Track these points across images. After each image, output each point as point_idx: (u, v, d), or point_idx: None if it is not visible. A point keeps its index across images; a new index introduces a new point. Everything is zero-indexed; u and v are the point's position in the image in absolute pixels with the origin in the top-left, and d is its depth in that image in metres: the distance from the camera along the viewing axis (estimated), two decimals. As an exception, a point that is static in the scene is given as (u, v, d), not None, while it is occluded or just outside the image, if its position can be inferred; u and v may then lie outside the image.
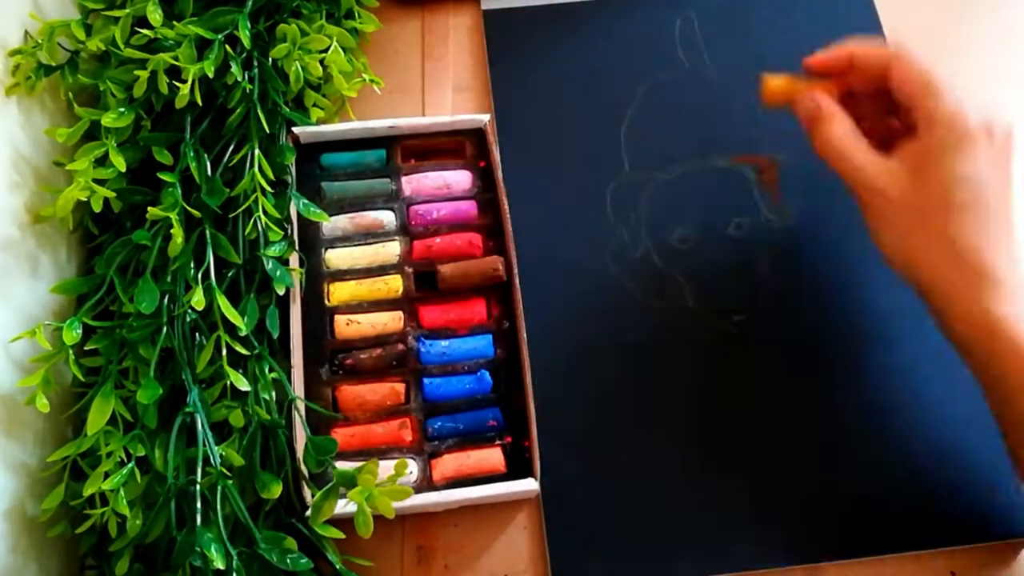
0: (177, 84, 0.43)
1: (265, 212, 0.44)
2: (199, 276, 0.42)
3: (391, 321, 0.46)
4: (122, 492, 0.38)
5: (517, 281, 0.46)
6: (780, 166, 0.52)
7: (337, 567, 0.41)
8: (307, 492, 0.41)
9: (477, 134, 0.50)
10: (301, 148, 0.49)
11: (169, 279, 0.42)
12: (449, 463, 0.43)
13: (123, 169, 0.43)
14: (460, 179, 0.49)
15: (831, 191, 0.52)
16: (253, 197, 0.44)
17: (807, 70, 0.46)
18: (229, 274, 0.44)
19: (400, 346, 0.45)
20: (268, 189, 0.44)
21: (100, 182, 0.43)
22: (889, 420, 0.46)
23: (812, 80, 0.45)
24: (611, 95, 0.54)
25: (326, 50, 0.48)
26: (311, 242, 0.47)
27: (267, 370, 0.42)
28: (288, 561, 0.38)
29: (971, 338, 0.40)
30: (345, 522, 0.39)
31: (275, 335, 0.44)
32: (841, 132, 0.43)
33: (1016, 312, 0.38)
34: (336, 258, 0.47)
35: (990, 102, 0.42)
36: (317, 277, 0.46)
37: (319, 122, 0.50)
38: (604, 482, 0.45)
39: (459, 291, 0.46)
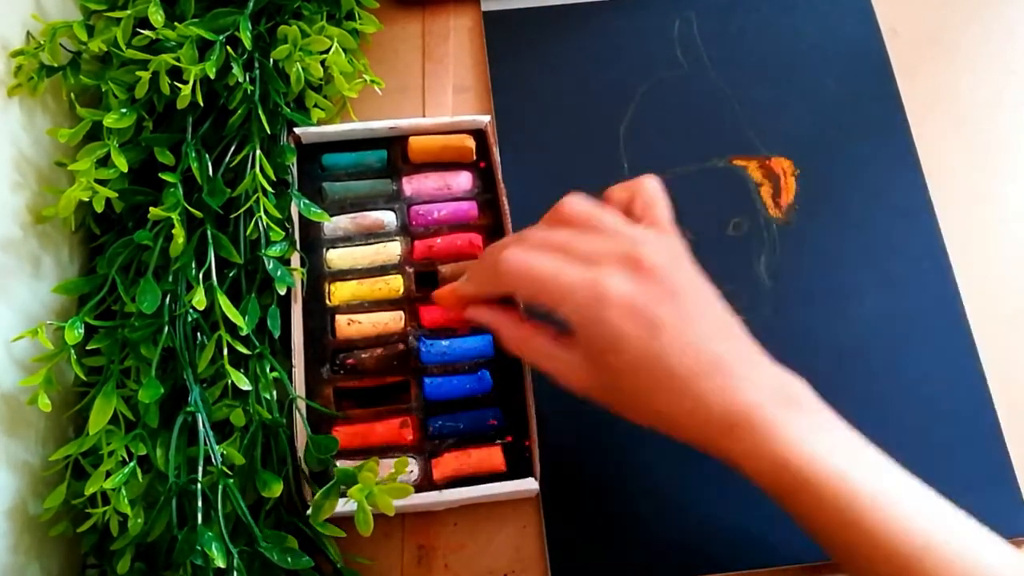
0: (178, 85, 0.43)
1: (266, 212, 0.44)
2: (200, 276, 0.42)
3: (392, 321, 0.46)
4: (123, 491, 0.38)
5: (517, 281, 0.46)
6: (779, 167, 0.53)
7: (338, 566, 0.41)
8: (308, 491, 0.41)
9: (478, 135, 0.50)
10: (302, 148, 0.49)
11: (171, 279, 0.42)
12: (449, 462, 0.43)
13: (125, 169, 0.43)
14: (460, 179, 0.49)
15: (830, 191, 0.52)
16: (254, 197, 0.44)
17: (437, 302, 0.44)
18: (230, 274, 0.44)
19: (401, 346, 0.45)
20: (269, 189, 0.44)
21: (102, 182, 0.43)
22: (888, 420, 0.47)
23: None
24: (611, 95, 0.54)
25: (327, 51, 0.48)
26: (312, 242, 0.47)
27: (268, 369, 0.42)
28: (289, 560, 0.38)
29: (744, 472, 0.36)
30: (346, 521, 0.39)
31: (276, 335, 0.44)
32: (515, 337, 0.39)
33: (749, 445, 0.35)
34: (337, 258, 0.47)
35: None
36: (318, 277, 0.47)
37: (320, 123, 0.50)
38: (604, 482, 0.45)
39: None
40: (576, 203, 0.40)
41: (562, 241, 0.38)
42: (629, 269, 0.36)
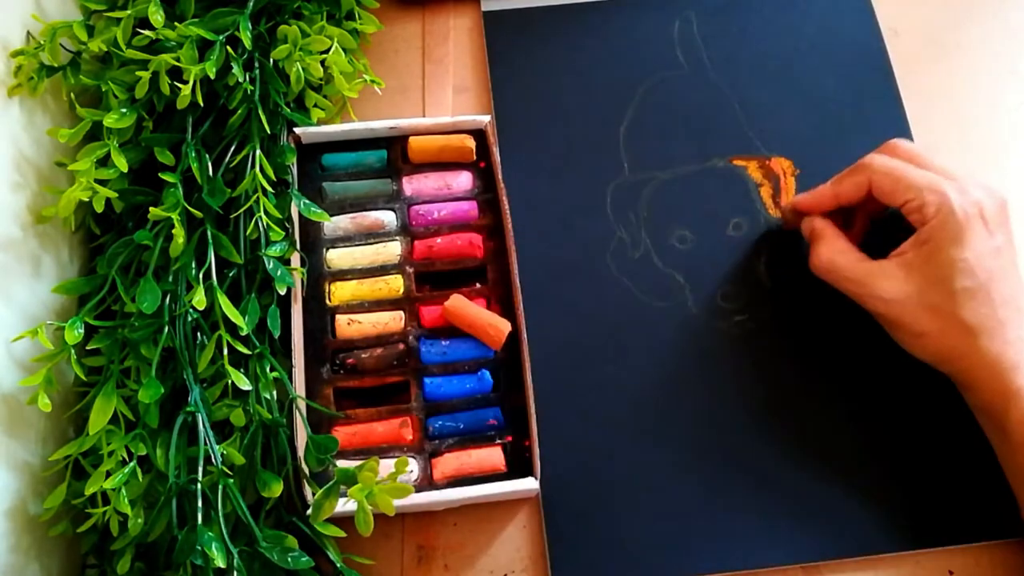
0: (179, 85, 0.43)
1: (266, 212, 0.44)
2: (200, 276, 0.42)
3: (392, 321, 0.46)
4: (123, 491, 0.38)
5: (517, 281, 0.46)
6: (779, 167, 0.53)
7: (338, 565, 0.41)
8: (308, 491, 0.41)
9: (478, 135, 0.50)
10: (302, 148, 0.49)
11: (171, 279, 0.42)
12: (450, 462, 0.43)
13: (125, 169, 0.43)
14: (460, 179, 0.49)
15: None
16: (254, 197, 0.44)
17: (797, 210, 0.48)
18: (230, 274, 0.44)
19: (401, 346, 0.45)
20: (269, 189, 0.44)
21: (102, 182, 0.43)
22: (889, 419, 0.47)
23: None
24: (611, 95, 0.54)
25: (327, 51, 0.48)
26: (312, 242, 0.47)
27: (268, 369, 0.42)
28: (289, 560, 0.38)
29: (992, 407, 0.42)
30: (346, 521, 0.39)
31: (276, 335, 0.44)
32: (828, 252, 0.45)
33: None
34: (337, 258, 0.47)
35: (980, 178, 0.44)
36: (318, 277, 0.47)
37: (320, 122, 0.50)
38: (604, 482, 0.45)
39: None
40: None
41: (929, 160, 0.44)
42: (986, 192, 0.43)
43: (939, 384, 0.46)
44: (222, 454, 0.39)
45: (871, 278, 0.43)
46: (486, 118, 0.50)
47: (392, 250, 0.47)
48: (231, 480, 0.39)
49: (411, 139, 0.49)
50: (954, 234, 0.41)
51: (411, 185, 0.49)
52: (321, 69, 0.48)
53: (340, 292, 0.46)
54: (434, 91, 0.55)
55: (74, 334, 0.40)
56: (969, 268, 0.41)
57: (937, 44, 0.57)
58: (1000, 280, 0.41)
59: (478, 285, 0.47)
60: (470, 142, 0.49)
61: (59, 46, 0.45)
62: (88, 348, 0.42)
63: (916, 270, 0.42)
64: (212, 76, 0.44)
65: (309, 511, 0.39)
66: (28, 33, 0.45)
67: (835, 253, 0.45)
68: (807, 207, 0.48)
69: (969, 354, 0.42)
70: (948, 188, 0.42)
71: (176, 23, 0.45)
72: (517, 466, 0.43)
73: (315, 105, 0.50)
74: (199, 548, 0.36)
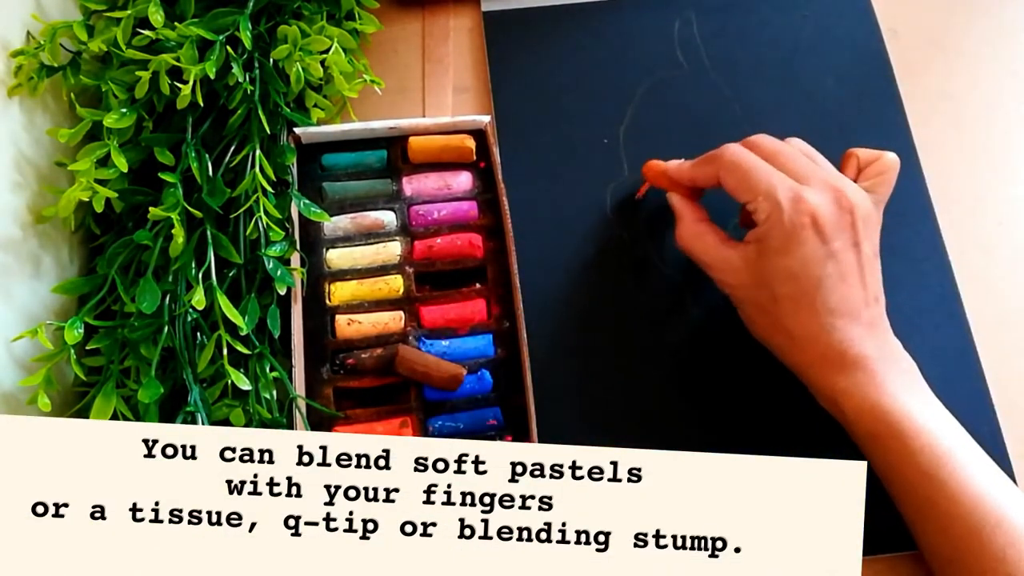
0: (178, 85, 0.43)
1: (266, 212, 0.44)
2: (200, 276, 0.42)
3: (392, 321, 0.46)
4: (124, 491, 0.38)
5: (517, 281, 0.46)
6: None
7: (338, 566, 0.41)
8: (308, 491, 0.41)
9: (478, 135, 0.50)
10: (302, 148, 0.49)
11: (170, 279, 0.42)
12: (449, 462, 0.43)
13: (125, 169, 0.43)
14: (460, 179, 0.49)
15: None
16: (254, 197, 0.44)
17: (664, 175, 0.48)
18: (230, 274, 0.44)
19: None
20: (269, 189, 0.44)
21: (102, 182, 0.43)
22: (888, 419, 0.47)
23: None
24: (611, 95, 0.54)
25: (327, 51, 0.48)
26: (312, 242, 0.47)
27: (268, 369, 0.42)
28: (289, 560, 0.38)
29: (827, 406, 0.43)
30: (346, 521, 0.39)
31: (276, 335, 0.44)
32: (689, 232, 0.45)
33: (852, 384, 0.41)
34: (337, 258, 0.47)
35: (830, 180, 0.42)
36: (318, 277, 0.47)
37: (320, 123, 0.50)
38: (604, 481, 0.45)
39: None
40: (803, 145, 0.46)
41: (786, 157, 0.44)
42: (831, 197, 0.42)
43: (938, 382, 0.45)
44: (222, 454, 0.39)
45: (720, 264, 0.44)
46: (486, 118, 0.50)
47: (392, 250, 0.47)
48: (231, 480, 0.38)
49: (411, 139, 0.49)
50: (779, 243, 0.41)
51: (411, 185, 0.49)
52: (321, 69, 0.48)
53: (340, 292, 0.46)
54: (434, 91, 0.55)
55: (74, 334, 0.40)
56: (792, 275, 0.41)
57: (937, 44, 0.57)
58: (829, 288, 0.41)
59: (478, 285, 0.47)
60: (470, 142, 0.49)
61: (59, 46, 0.45)
62: (88, 348, 0.42)
63: (751, 265, 0.43)
64: (212, 76, 0.44)
65: (309, 511, 0.39)
66: (28, 33, 0.45)
67: (693, 237, 0.45)
68: (668, 183, 0.47)
69: (789, 354, 0.43)
70: (783, 195, 0.41)
71: (176, 23, 0.45)
72: (517, 466, 0.43)
73: (315, 105, 0.50)
74: (199, 548, 0.36)
